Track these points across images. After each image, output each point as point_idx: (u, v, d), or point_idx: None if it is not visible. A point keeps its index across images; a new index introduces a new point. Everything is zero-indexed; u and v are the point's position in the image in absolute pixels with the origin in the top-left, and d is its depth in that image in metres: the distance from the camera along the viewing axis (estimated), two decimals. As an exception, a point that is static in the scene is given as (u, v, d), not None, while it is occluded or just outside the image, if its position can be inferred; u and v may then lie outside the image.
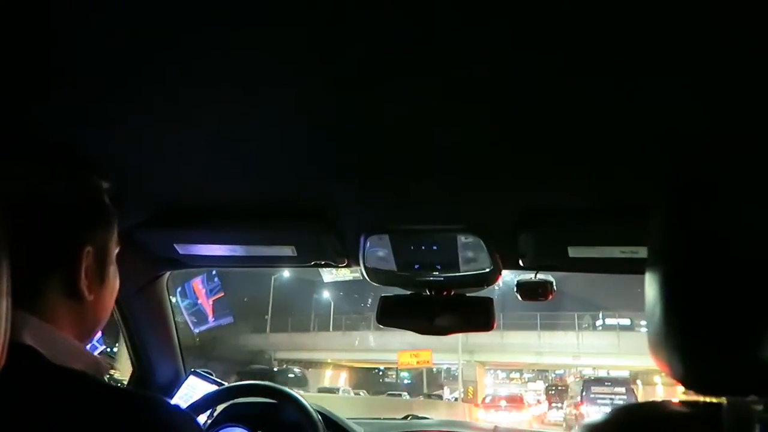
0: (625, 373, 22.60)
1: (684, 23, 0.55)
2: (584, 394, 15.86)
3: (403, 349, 19.86)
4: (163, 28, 0.59)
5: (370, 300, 25.27)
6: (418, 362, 20.64)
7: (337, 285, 27.05)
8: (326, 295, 31.05)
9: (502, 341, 23.18)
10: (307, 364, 28.20)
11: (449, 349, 21.75)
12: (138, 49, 0.63)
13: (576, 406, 16.11)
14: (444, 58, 0.63)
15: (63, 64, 0.67)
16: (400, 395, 22.16)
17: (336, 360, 29.95)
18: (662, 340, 0.51)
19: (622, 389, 15.57)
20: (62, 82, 0.71)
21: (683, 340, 0.49)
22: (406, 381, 34.17)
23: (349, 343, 26.92)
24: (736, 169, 0.48)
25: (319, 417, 1.27)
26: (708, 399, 0.54)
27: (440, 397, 25.42)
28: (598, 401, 14.88)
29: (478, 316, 1.25)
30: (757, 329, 0.46)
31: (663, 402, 0.60)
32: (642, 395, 20.17)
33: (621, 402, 14.53)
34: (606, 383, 16.46)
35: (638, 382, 24.26)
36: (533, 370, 35.85)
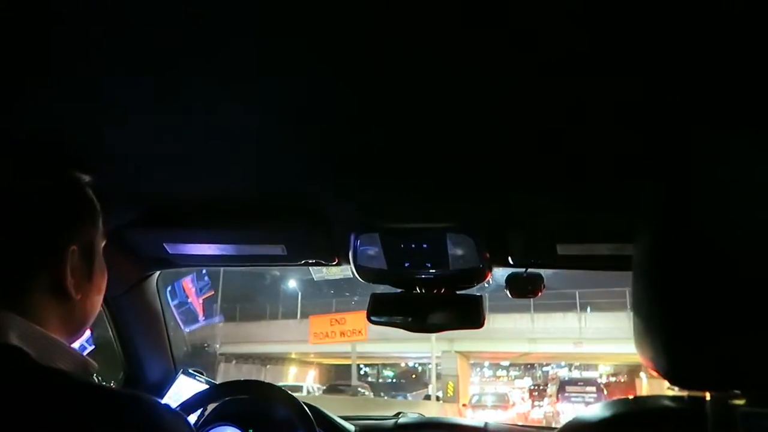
0: (595, 374, 23.59)
1: (669, 22, 0.56)
2: (560, 393, 17.63)
3: (387, 337, 14.54)
4: (154, 26, 0.59)
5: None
6: (342, 333, 12.94)
7: (329, 282, 23.49)
8: (293, 285, 23.68)
9: (488, 326, 14.33)
10: (265, 359, 23.36)
11: (422, 336, 16.63)
12: (128, 47, 0.63)
13: (553, 404, 17.94)
14: (434, 60, 0.63)
15: (52, 61, 0.66)
16: (300, 388, 17.87)
17: (301, 354, 24.19)
18: (646, 336, 0.52)
19: (593, 388, 17.45)
20: (51, 80, 0.70)
21: (666, 336, 0.50)
22: (389, 380, 31.60)
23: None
24: (721, 167, 0.50)
25: (310, 414, 1.28)
26: (692, 393, 0.55)
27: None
28: (572, 399, 16.67)
29: (468, 314, 1.26)
30: (738, 325, 0.47)
31: (650, 397, 0.62)
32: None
33: (591, 399, 15.24)
34: (579, 383, 18.47)
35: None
36: (520, 367, 35.87)
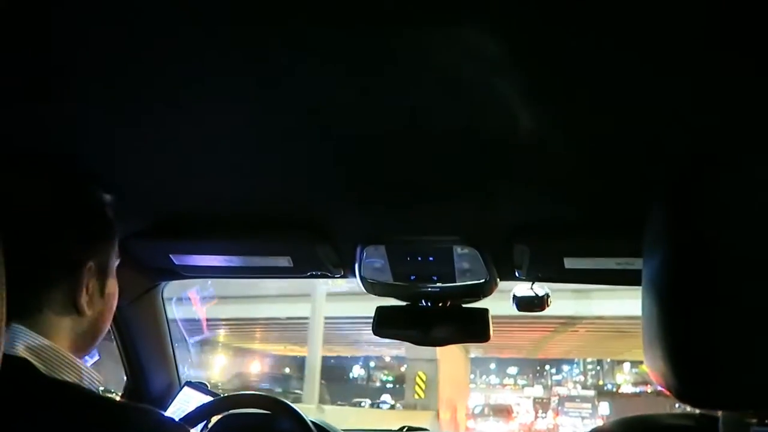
0: (591, 393, 24.68)
1: (680, 38, 0.55)
2: (559, 408, 20.55)
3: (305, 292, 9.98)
4: (160, 42, 0.59)
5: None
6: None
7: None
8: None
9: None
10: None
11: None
12: (136, 62, 0.63)
13: (554, 416, 20.70)
14: (438, 72, 0.63)
15: (61, 77, 0.67)
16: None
17: (235, 334, 15.24)
18: (658, 353, 0.51)
19: (588, 405, 19.83)
20: (60, 94, 0.71)
21: (678, 354, 0.49)
22: (387, 384, 27.39)
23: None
24: (731, 180, 0.49)
25: (314, 429, 1.27)
26: (704, 411, 0.54)
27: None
28: (570, 413, 19.46)
29: (474, 327, 1.25)
30: (752, 344, 0.46)
31: (663, 414, 0.61)
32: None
33: (587, 414, 18.19)
34: (576, 400, 21.44)
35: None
36: (528, 375, 35.45)
